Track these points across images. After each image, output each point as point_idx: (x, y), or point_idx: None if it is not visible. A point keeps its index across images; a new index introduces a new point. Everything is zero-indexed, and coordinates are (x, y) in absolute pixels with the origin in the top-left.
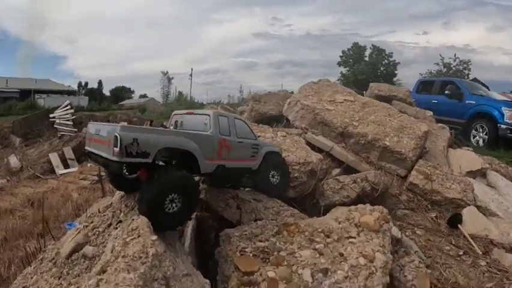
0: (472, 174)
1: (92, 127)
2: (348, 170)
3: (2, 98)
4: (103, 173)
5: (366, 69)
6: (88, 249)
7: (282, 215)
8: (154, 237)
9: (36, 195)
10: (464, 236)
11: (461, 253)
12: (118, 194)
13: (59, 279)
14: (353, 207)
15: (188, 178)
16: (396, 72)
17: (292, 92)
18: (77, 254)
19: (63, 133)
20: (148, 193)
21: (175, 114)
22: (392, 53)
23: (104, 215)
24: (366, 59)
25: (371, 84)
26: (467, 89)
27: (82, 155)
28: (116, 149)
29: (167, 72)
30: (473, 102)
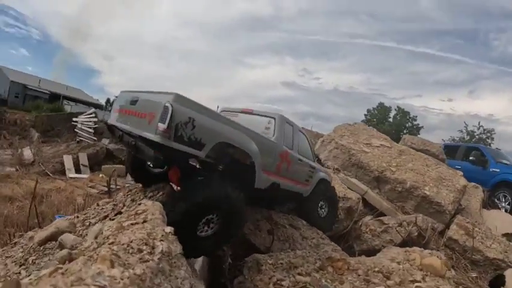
0: (507, 237)
1: (125, 96)
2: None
3: (32, 97)
4: (112, 186)
5: (390, 130)
6: (67, 238)
7: (323, 249)
8: (169, 229)
9: (40, 190)
10: None
11: None
12: (125, 189)
13: (20, 266)
14: (408, 248)
15: (239, 197)
16: (419, 136)
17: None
18: (53, 242)
19: (82, 139)
20: (182, 206)
21: (224, 111)
22: (416, 116)
23: (102, 208)
24: (390, 120)
25: (404, 136)
26: (492, 157)
27: (95, 164)
28: (163, 126)
29: None
30: (498, 170)
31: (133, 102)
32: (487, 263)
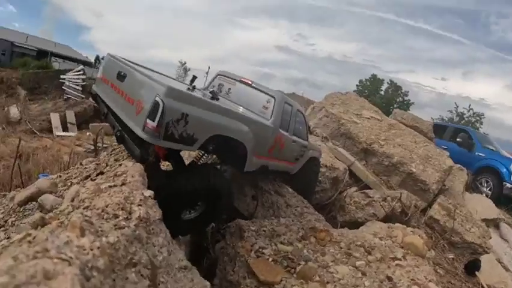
0: (486, 222)
1: (112, 64)
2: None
3: (20, 53)
4: (99, 144)
5: (380, 103)
6: (47, 198)
7: (306, 218)
8: (148, 192)
9: (27, 148)
10: (482, 286)
11: None
12: (109, 148)
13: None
14: (391, 224)
15: (229, 186)
16: (409, 111)
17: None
18: (34, 203)
19: (69, 96)
20: (167, 190)
21: (222, 76)
22: (408, 91)
23: (85, 168)
24: (382, 92)
25: (395, 110)
26: (479, 141)
27: (83, 122)
28: (152, 124)
29: (185, 63)
30: (483, 155)
31: (121, 77)
32: (464, 246)
